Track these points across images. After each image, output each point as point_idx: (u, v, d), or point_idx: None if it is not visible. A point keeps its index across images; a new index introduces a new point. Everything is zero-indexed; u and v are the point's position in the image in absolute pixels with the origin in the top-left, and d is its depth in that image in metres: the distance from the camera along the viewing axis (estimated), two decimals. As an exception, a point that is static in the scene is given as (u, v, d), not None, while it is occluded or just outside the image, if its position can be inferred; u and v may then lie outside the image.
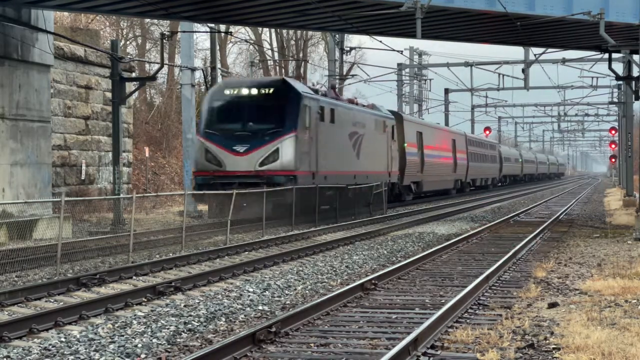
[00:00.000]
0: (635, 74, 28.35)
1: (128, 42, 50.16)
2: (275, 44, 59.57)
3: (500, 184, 75.62)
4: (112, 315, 11.04)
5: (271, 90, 26.76)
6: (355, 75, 53.87)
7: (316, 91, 29.44)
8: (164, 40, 30.88)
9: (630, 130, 42.46)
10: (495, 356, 8.31)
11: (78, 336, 9.65)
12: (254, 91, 26.80)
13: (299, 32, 57.06)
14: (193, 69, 31.76)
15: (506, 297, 12.34)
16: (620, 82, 49.76)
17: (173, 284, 13.12)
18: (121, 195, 25.06)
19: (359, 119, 33.11)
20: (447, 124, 65.90)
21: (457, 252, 18.90)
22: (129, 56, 42.02)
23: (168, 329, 10.12)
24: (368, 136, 33.76)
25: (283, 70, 58.41)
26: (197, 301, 12.09)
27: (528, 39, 28.32)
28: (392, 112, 40.90)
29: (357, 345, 9.12)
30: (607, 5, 23.21)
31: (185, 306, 11.68)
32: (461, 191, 56.40)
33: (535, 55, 35.10)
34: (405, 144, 41.08)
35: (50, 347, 9.15)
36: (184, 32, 32.10)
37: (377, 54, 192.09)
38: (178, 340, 9.60)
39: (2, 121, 21.75)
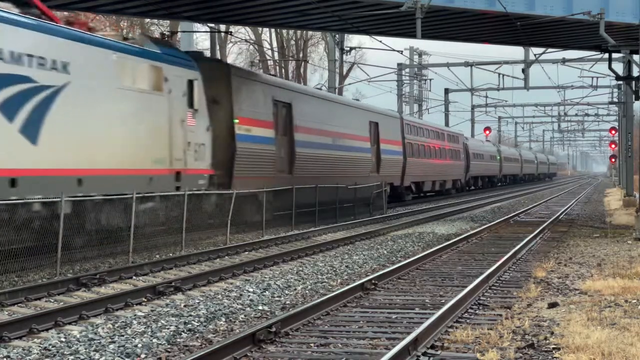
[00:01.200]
0: (635, 74, 28.34)
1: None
2: (275, 44, 59.59)
3: (469, 188, 60.36)
4: (112, 315, 11.03)
5: None
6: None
7: None
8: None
9: (630, 130, 42.51)
10: (495, 356, 8.31)
11: (78, 336, 9.65)
12: None
13: (299, 32, 57.06)
14: (193, 69, 31.70)
15: (506, 297, 12.34)
16: (620, 82, 49.77)
17: (173, 284, 13.12)
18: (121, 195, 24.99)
19: (28, 46, 14.89)
20: (447, 124, 65.59)
21: (457, 252, 18.90)
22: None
23: (168, 329, 10.12)
24: (82, 93, 16.23)
25: (283, 70, 58.43)
26: (197, 301, 12.09)
27: (528, 39, 28.33)
28: (196, 54, 23.43)
29: (357, 345, 9.12)
30: (607, 5, 23.23)
31: (185, 306, 11.68)
32: (397, 200, 39.87)
33: (535, 55, 35.12)
34: (237, 120, 23.12)
35: (50, 347, 9.14)
36: (184, 32, 32.12)
37: (377, 54, 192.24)
38: (178, 340, 9.60)
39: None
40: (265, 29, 56.27)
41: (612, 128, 75.65)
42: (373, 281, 13.22)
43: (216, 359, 8.10)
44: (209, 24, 31.43)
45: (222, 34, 44.28)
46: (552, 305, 11.26)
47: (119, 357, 8.76)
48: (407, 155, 41.59)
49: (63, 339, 9.50)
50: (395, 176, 39.38)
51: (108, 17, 43.45)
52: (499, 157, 71.11)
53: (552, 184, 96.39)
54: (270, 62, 57.62)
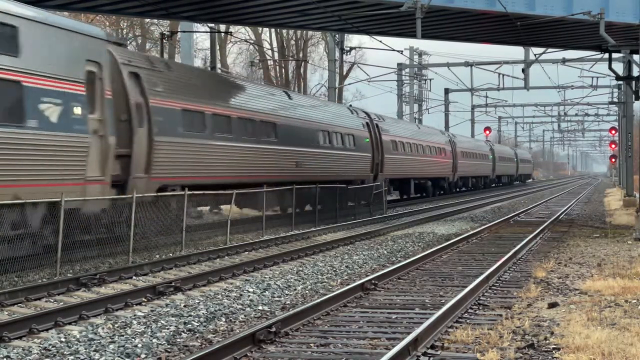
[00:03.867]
0: (635, 74, 28.34)
1: (128, 42, 50.14)
2: (275, 44, 59.58)
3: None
4: (112, 315, 11.03)
5: None
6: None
7: None
8: (164, 40, 30.94)
9: (630, 130, 42.50)
10: (495, 356, 8.30)
11: (78, 336, 9.64)
12: None
13: (299, 32, 57.05)
14: (193, 69, 31.66)
15: (506, 297, 12.34)
16: (620, 82, 49.80)
17: (173, 284, 13.11)
18: (121, 196, 24.99)
19: None
20: (447, 124, 65.69)
21: (457, 252, 18.89)
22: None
23: (168, 329, 10.12)
24: None
25: (283, 70, 58.43)
26: (197, 301, 12.08)
27: (528, 39, 28.33)
28: None
29: (357, 345, 9.11)
30: (607, 5, 23.23)
31: (185, 306, 11.68)
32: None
33: (535, 55, 35.11)
34: None
35: (50, 347, 9.14)
36: (183, 32, 32.12)
37: (377, 54, 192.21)
38: (178, 340, 9.59)
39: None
40: (265, 29, 56.27)
41: (612, 128, 75.67)
42: (373, 281, 13.21)
43: (216, 359, 8.09)
44: (208, 24, 31.42)
45: (222, 34, 44.25)
46: (552, 305, 11.25)
47: (119, 357, 8.76)
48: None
49: (63, 339, 9.50)
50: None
51: (108, 17, 43.45)
52: (409, 144, 41.64)
53: (550, 185, 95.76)
54: (270, 62, 57.60)
